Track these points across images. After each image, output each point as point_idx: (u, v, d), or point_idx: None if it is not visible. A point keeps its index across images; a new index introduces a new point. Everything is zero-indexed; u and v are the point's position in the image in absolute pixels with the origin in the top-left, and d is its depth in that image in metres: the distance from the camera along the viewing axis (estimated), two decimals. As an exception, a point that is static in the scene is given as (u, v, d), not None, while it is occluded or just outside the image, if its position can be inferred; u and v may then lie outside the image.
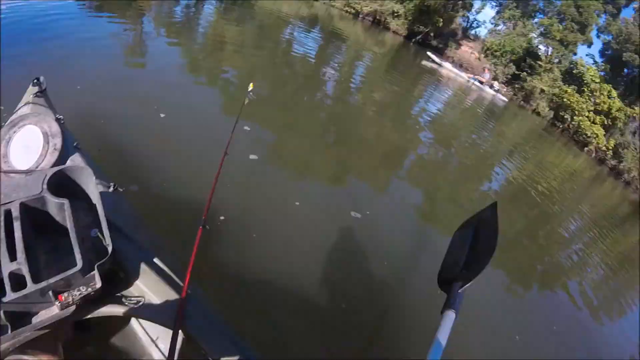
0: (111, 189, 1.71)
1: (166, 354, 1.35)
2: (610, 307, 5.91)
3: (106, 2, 13.91)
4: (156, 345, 1.76)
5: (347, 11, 24.13)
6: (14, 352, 1.26)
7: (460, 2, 23.81)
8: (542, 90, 24.33)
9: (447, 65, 17.33)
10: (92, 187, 1.56)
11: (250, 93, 3.46)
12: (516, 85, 25.06)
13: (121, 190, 1.82)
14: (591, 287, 5.97)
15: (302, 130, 5.92)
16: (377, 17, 23.64)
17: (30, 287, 1.19)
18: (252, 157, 4.38)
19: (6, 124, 2.09)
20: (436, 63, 16.98)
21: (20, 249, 1.26)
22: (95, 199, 1.52)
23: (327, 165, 5.19)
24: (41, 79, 2.59)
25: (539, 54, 26.00)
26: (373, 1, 23.67)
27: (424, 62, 16.74)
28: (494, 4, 28.91)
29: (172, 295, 1.44)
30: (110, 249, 1.33)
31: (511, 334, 3.81)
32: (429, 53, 17.85)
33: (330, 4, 24.27)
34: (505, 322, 4.00)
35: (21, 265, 1.23)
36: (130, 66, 7.12)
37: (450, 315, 1.03)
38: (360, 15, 23.91)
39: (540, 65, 24.59)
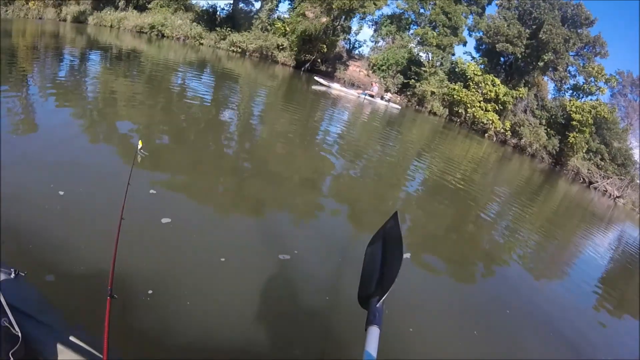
0: (12, 275, 1.68)
1: None
2: (552, 271, 6.70)
3: None
4: None
5: (233, 51, 24.69)
6: None
7: (339, 26, 25.32)
8: (433, 93, 26.78)
9: (335, 85, 18.34)
10: None
11: (141, 151, 3.39)
12: (408, 93, 27.29)
13: (23, 274, 1.77)
14: (529, 259, 6.65)
15: (213, 176, 5.74)
16: (264, 52, 24.39)
17: None
18: (164, 220, 4.06)
19: None
20: (325, 85, 17.79)
21: None
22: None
23: (246, 207, 5.02)
24: None
25: (421, 60, 28.61)
26: (257, 38, 24.45)
27: (314, 87, 17.54)
28: (370, 23, 31.24)
29: None
30: (20, 335, 1.33)
31: (470, 329, 3.90)
32: (316, 78, 18.74)
33: (216, 46, 24.69)
34: (462, 320, 4.05)
35: None
36: (22, 139, 6.63)
37: (374, 330, 1.05)
38: (247, 53, 24.54)
39: (425, 71, 27.22)
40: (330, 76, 22.96)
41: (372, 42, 31.46)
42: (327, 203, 5.75)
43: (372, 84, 21.81)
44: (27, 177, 4.91)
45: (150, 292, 3.09)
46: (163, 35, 27.76)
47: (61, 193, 4.46)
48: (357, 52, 31.34)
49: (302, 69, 23.39)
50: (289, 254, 4.01)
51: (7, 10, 45.93)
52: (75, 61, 16.46)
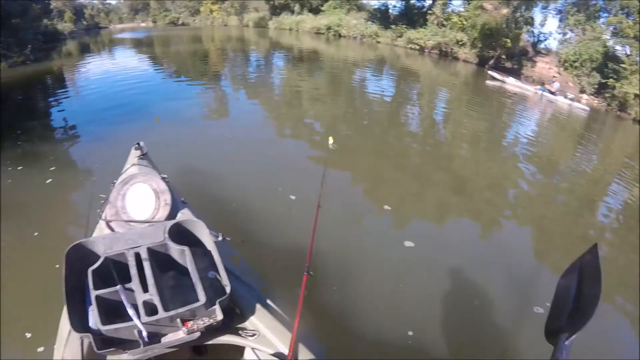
0: (220, 238, 1.87)
1: None
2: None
3: (182, 69, 15.09)
4: None
5: (411, 48, 24.08)
6: None
7: (521, 18, 22.80)
8: (637, 95, 21.88)
9: (510, 80, 16.20)
10: (206, 237, 1.83)
11: (332, 145, 3.91)
12: (606, 95, 22.79)
13: (228, 239, 2.04)
14: None
15: (396, 175, 5.63)
16: (443, 49, 23.27)
17: (162, 314, 1.45)
18: (352, 211, 4.42)
19: (118, 181, 2.42)
20: (499, 80, 16.11)
21: (151, 283, 1.54)
22: (210, 247, 1.79)
23: (427, 209, 4.89)
24: (141, 143, 2.99)
25: (618, 55, 23.75)
26: (434, 34, 23.50)
27: (489, 82, 15.90)
28: (554, 13, 27.07)
29: (284, 331, 1.61)
30: (228, 288, 1.58)
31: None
32: (490, 72, 17.05)
33: (393, 44, 24.47)
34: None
35: (153, 296, 1.50)
36: (218, 125, 7.68)
37: None
38: (426, 50, 23.73)
39: (624, 68, 22.35)
40: (516, 74, 20.21)
41: (559, 33, 27.17)
42: (511, 217, 5.01)
43: (552, 79, 18.87)
44: (224, 155, 5.88)
45: (338, 275, 3.36)
46: (340, 35, 28.83)
47: (258, 172, 5.25)
48: (542, 45, 27.76)
49: (486, 66, 21.31)
50: (463, 260, 3.81)
51: (194, 20, 53.97)
52: (261, 61, 18.09)
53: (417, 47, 23.97)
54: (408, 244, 3.86)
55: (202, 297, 1.51)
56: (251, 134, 6.92)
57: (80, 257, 1.73)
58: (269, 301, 1.77)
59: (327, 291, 3.19)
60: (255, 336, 1.59)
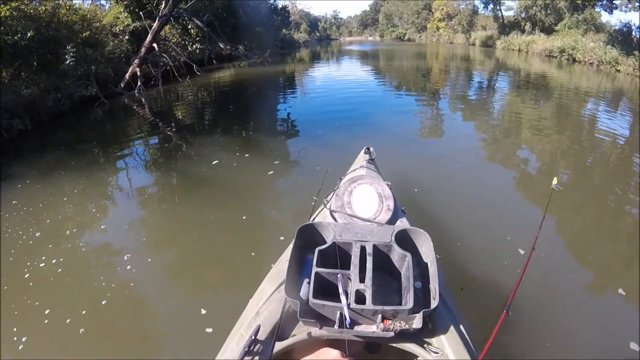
0: (435, 257, 1.92)
1: None
2: None
3: (403, 83, 15.97)
4: None
5: (661, 80, 20.22)
6: (327, 341, 1.66)
7: None
8: None
9: None
10: (427, 249, 1.92)
11: (557, 186, 3.52)
12: None
13: (438, 257, 2.02)
14: None
15: (622, 235, 4.83)
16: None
17: (369, 305, 1.59)
18: (558, 261, 4.04)
19: (346, 178, 2.68)
20: None
21: (369, 277, 1.70)
22: (430, 260, 1.85)
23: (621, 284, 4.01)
24: (371, 149, 3.28)
25: None
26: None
27: None
28: None
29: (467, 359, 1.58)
30: (435, 303, 1.61)
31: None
32: None
33: (635, 74, 20.76)
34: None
35: (367, 288, 1.67)
36: (432, 144, 8.48)
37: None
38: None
39: None
40: None
41: None
42: None
43: None
44: (439, 171, 6.33)
45: (537, 324, 3.18)
46: (574, 60, 26.15)
47: (468, 200, 5.41)
48: None
49: None
50: None
51: (420, 36, 54.91)
52: (483, 82, 17.93)
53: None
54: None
55: (410, 303, 1.61)
56: (465, 157, 7.22)
57: (308, 235, 1.99)
58: (462, 328, 1.75)
59: (521, 338, 3.05)
60: (438, 354, 1.58)
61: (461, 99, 13.16)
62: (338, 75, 19.23)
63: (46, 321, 3.25)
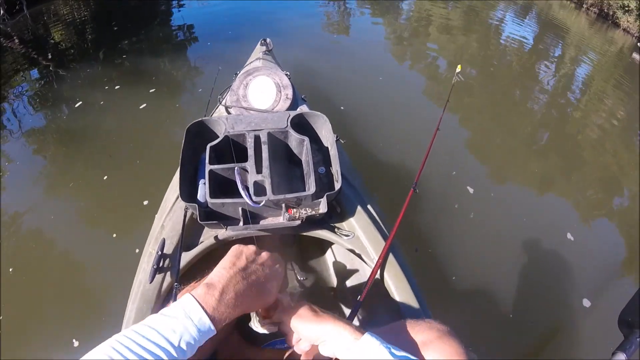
0: (336, 138, 1.89)
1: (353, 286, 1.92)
2: None
3: None
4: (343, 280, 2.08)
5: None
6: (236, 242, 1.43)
7: None
8: None
9: None
10: (326, 132, 1.87)
11: (459, 75, 3.61)
12: None
13: (342, 142, 2.06)
14: None
15: (511, 128, 5.40)
16: (605, 10, 20.12)
17: (269, 196, 1.51)
18: (466, 150, 4.51)
19: (242, 72, 2.51)
20: None
21: (266, 165, 1.60)
22: (329, 142, 1.82)
23: (532, 180, 4.50)
24: (268, 40, 3.14)
25: None
26: (600, -12, 20.17)
27: (635, 55, 13.79)
28: None
29: (380, 240, 1.63)
30: (338, 185, 1.60)
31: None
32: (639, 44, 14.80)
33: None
34: None
35: (265, 178, 1.57)
36: (337, 39, 7.89)
37: (619, 358, 1.02)
38: (584, 6, 20.66)
39: None
40: None
41: None
42: (621, 202, 4.57)
43: None
44: (344, 63, 6.09)
45: (443, 199, 3.57)
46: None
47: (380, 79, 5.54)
48: None
49: None
50: (574, 236, 3.64)
51: None
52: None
53: (575, 0, 20.87)
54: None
55: (312, 187, 1.57)
56: (372, 52, 7.04)
57: (200, 132, 1.85)
58: (370, 208, 1.78)
59: (428, 214, 3.30)
60: (350, 237, 1.63)
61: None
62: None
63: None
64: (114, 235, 3.24)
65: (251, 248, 1.01)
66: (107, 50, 6.91)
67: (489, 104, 5.92)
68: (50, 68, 6.33)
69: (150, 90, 5.20)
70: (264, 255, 1.01)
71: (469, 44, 8.61)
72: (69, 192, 3.73)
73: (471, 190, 3.82)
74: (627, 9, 20.07)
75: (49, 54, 6.96)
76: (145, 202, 3.45)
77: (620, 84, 8.89)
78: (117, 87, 5.35)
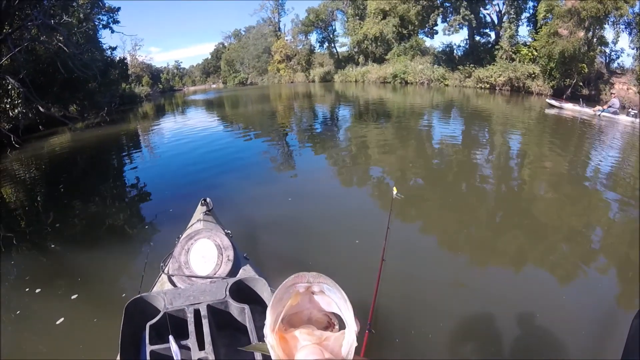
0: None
1: None
2: None
3: (250, 126, 15.61)
4: None
5: (481, 87, 23.53)
6: None
7: (594, 39, 20.88)
8: None
9: (567, 105, 15.10)
10: (267, 295, 1.87)
11: (398, 194, 3.77)
12: None
13: None
14: None
15: (467, 222, 5.40)
16: (515, 84, 22.38)
17: None
18: (418, 265, 4.25)
19: (183, 236, 2.52)
20: (557, 107, 15.27)
21: (208, 341, 1.56)
22: None
23: (501, 258, 4.49)
24: (208, 199, 3.12)
25: None
26: (504, 69, 22.67)
27: (547, 111, 15.00)
28: (623, 26, 23.75)
29: None
30: None
31: None
32: (547, 100, 16.24)
33: (462, 85, 24.07)
34: None
35: (208, 354, 1.52)
36: (283, 180, 7.99)
37: None
38: (497, 88, 22.97)
39: None
40: (594, 100, 18.50)
41: (632, 48, 23.40)
42: (597, 264, 4.35)
43: (612, 96, 16.85)
44: (289, 207, 6.00)
45: (401, 335, 3.15)
46: (406, 82, 29.02)
47: (322, 226, 5.31)
48: (615, 65, 24.57)
49: (563, 96, 19.32)
50: (540, 313, 3.39)
51: (262, 79, 56.14)
52: (327, 115, 18.52)
53: (487, 86, 23.54)
54: (475, 306, 3.53)
55: (258, 357, 1.52)
56: (316, 187, 7.09)
57: (140, 310, 1.82)
58: None
59: (388, 352, 3.04)
60: None
61: (308, 134, 13.18)
62: (185, 128, 17.60)
63: None
64: None
65: None
66: (48, 225, 6.27)
67: (437, 206, 5.98)
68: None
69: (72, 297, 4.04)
70: None
71: (406, 154, 9.16)
72: None
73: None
74: (533, 76, 22.51)
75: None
76: None
77: (552, 142, 9.65)
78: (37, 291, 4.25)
